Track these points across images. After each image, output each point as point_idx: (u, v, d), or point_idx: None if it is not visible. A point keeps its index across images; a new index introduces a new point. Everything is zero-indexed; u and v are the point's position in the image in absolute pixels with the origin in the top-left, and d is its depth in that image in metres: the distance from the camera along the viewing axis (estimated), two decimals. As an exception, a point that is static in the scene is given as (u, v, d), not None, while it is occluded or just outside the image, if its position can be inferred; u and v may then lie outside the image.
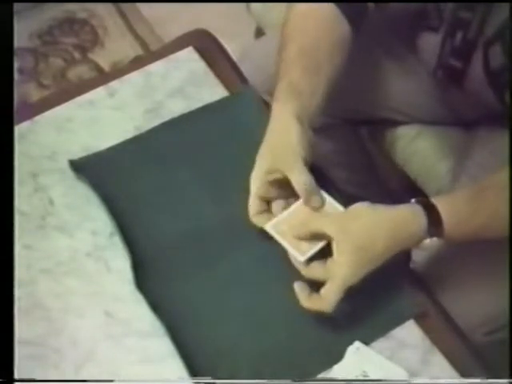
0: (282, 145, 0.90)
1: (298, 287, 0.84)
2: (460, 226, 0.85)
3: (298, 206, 0.89)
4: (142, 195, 0.97)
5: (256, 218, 0.90)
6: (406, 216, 0.85)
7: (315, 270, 0.84)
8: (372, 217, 0.85)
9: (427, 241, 0.85)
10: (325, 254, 0.84)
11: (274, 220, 0.89)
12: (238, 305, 0.89)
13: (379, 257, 0.83)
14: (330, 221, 0.86)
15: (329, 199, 0.90)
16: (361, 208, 0.85)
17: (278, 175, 0.89)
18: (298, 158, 0.88)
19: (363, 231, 0.83)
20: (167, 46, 1.18)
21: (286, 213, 0.89)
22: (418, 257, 1.01)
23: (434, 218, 0.84)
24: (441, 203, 0.85)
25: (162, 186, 0.98)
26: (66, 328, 0.87)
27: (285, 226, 0.88)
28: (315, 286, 0.84)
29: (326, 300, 0.82)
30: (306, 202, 0.88)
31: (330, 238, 0.83)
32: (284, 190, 0.90)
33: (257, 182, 0.90)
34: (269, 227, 0.88)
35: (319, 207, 0.88)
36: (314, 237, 0.84)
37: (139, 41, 2.02)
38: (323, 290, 0.82)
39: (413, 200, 0.86)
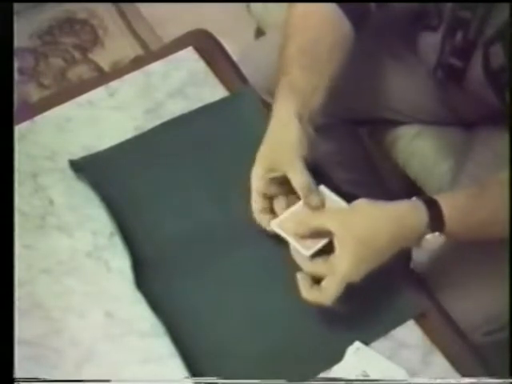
0: (282, 143, 0.90)
1: (301, 277, 0.84)
2: (461, 221, 0.85)
3: (301, 204, 0.89)
4: (142, 195, 0.97)
5: (259, 216, 0.90)
6: (407, 210, 0.85)
7: (318, 266, 0.84)
8: (373, 211, 0.85)
9: (429, 236, 0.85)
10: (328, 251, 0.84)
11: (279, 218, 0.89)
12: (238, 305, 0.89)
13: (381, 252, 0.83)
14: (331, 217, 0.86)
15: (333, 196, 0.90)
16: (361, 203, 0.86)
17: (277, 173, 0.89)
18: (297, 157, 0.89)
19: (364, 225, 0.84)
20: (167, 46, 1.18)
21: (289, 211, 0.89)
22: (418, 257, 1.01)
23: (435, 211, 0.84)
24: (441, 199, 0.85)
25: (161, 186, 0.98)
26: (65, 328, 0.87)
27: (289, 223, 0.88)
28: (317, 283, 0.84)
29: (326, 292, 0.82)
30: (305, 201, 0.88)
31: (331, 233, 0.83)
32: (284, 187, 0.90)
33: (257, 180, 0.90)
34: (274, 225, 0.88)
35: (318, 206, 0.88)
36: (316, 234, 0.85)
37: (139, 41, 2.02)
38: (324, 283, 0.82)
39: (414, 198, 0.87)
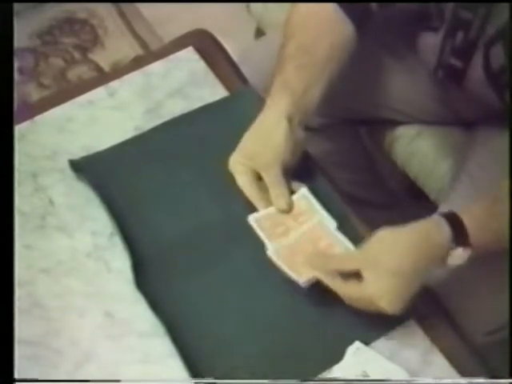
0: (265, 145, 0.92)
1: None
2: (481, 231, 0.84)
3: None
4: (142, 195, 0.97)
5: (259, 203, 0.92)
6: (429, 228, 0.84)
7: (352, 289, 0.83)
8: (394, 238, 0.84)
9: (455, 251, 0.83)
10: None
11: (258, 213, 0.91)
12: (238, 304, 0.89)
13: (413, 275, 0.82)
14: (357, 258, 0.85)
15: (339, 236, 0.89)
16: (382, 234, 0.84)
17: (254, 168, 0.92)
18: (276, 162, 0.91)
19: (388, 255, 0.82)
20: (167, 46, 1.18)
21: (271, 208, 0.91)
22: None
23: (457, 224, 0.83)
24: (460, 212, 0.84)
25: (162, 186, 0.98)
26: (65, 328, 0.87)
27: (266, 221, 0.90)
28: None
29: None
30: (275, 204, 0.91)
31: (358, 271, 0.82)
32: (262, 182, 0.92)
33: (239, 166, 0.93)
34: (251, 219, 0.90)
35: (286, 210, 0.90)
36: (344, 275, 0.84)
37: (139, 41, 2.02)
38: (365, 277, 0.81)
39: (433, 215, 0.86)
